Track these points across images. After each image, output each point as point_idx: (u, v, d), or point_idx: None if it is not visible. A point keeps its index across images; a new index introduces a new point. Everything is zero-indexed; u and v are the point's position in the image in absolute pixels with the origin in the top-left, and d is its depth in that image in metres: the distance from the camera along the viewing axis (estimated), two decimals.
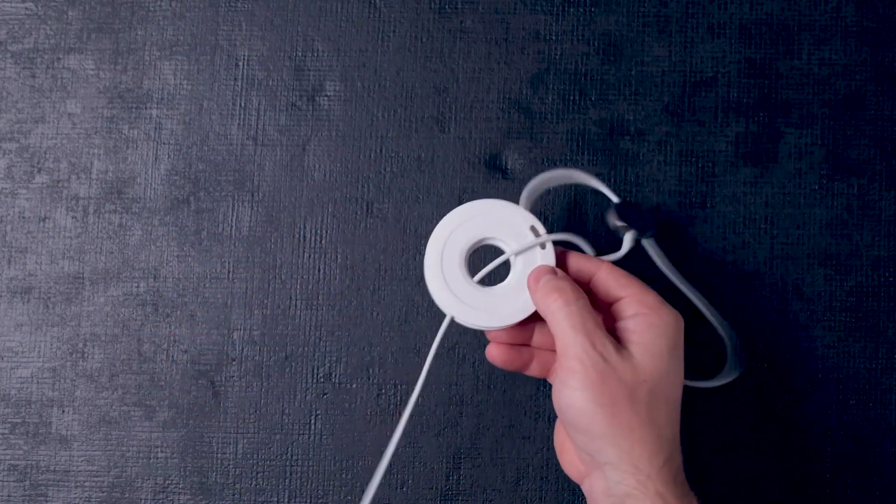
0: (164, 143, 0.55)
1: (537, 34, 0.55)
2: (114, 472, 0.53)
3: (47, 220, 0.55)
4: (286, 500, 0.53)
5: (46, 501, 0.53)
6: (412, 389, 0.53)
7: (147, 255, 0.54)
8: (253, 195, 0.55)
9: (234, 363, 0.54)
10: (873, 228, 0.54)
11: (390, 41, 0.55)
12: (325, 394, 0.54)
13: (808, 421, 0.53)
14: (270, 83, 0.55)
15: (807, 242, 0.54)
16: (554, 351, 0.46)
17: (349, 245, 0.54)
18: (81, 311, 0.54)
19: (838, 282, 0.53)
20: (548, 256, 0.46)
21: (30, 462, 0.53)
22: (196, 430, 0.53)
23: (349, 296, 0.54)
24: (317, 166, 0.55)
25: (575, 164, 0.54)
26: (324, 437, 0.53)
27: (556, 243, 0.47)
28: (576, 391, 0.41)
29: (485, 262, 0.47)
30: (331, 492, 0.53)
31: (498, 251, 0.47)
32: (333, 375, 0.54)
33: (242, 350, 0.54)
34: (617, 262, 0.46)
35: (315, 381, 0.54)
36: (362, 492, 0.53)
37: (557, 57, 0.55)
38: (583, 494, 0.53)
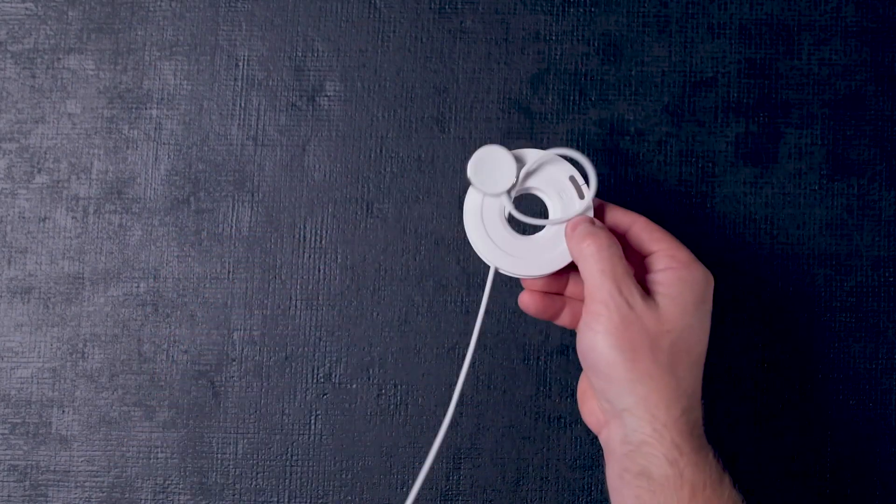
0: (164, 143, 0.55)
1: (537, 34, 0.55)
2: (114, 473, 0.53)
3: (47, 220, 0.55)
4: (286, 500, 0.53)
5: (46, 501, 0.53)
6: (412, 389, 0.53)
7: (147, 255, 0.54)
8: (253, 195, 0.55)
9: (234, 363, 0.54)
10: (873, 228, 0.54)
11: (390, 41, 0.55)
12: (325, 394, 0.54)
13: (808, 421, 0.53)
14: (270, 83, 0.55)
15: (807, 242, 0.54)
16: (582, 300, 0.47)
17: (349, 245, 0.54)
18: (81, 311, 0.54)
19: (838, 282, 0.53)
20: (586, 206, 0.46)
21: (30, 462, 0.53)
22: (196, 430, 0.53)
23: (349, 296, 0.54)
24: (317, 166, 0.55)
25: (575, 164, 0.54)
26: (324, 437, 0.53)
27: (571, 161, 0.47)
28: (598, 334, 0.42)
29: (522, 207, 0.47)
30: (331, 492, 0.53)
31: (536, 198, 0.47)
32: (333, 375, 0.54)
33: (242, 350, 0.54)
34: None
35: (315, 381, 0.54)
36: (362, 492, 0.53)
37: (557, 57, 0.55)
38: (582, 495, 0.53)
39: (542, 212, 0.47)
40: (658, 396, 0.41)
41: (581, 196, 0.46)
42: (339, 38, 0.55)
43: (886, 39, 0.54)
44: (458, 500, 0.53)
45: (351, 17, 0.55)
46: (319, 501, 0.53)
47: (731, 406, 0.53)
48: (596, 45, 0.55)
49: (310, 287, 0.54)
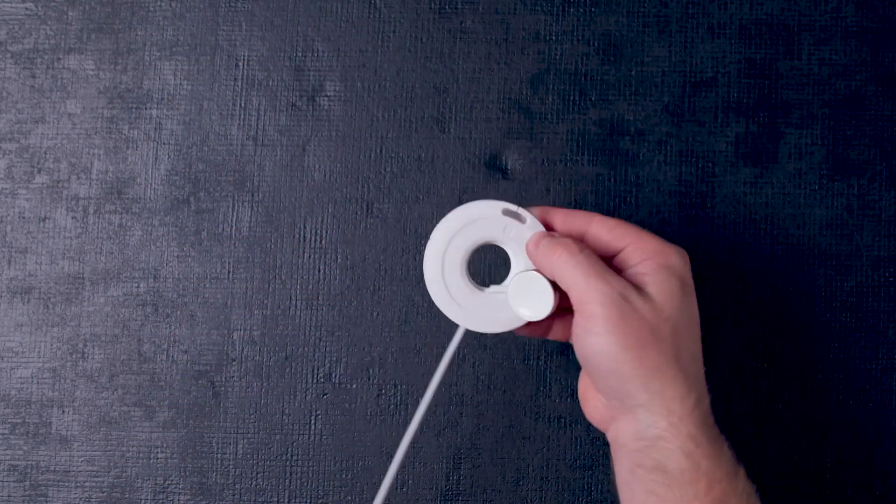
0: (164, 144, 0.55)
1: (537, 34, 0.55)
2: (114, 473, 0.53)
3: (47, 220, 0.55)
4: (286, 500, 0.53)
5: (46, 502, 0.53)
6: (412, 389, 0.53)
7: (147, 255, 0.54)
8: (253, 195, 0.55)
9: (234, 363, 0.54)
10: (873, 228, 0.54)
11: (390, 41, 0.55)
12: (325, 394, 0.54)
13: (808, 421, 0.53)
14: (270, 83, 0.55)
15: (807, 242, 0.54)
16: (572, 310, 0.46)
17: (349, 245, 0.54)
18: (81, 311, 0.54)
19: (838, 282, 0.53)
20: (535, 226, 0.45)
21: (30, 462, 0.53)
22: (196, 430, 0.53)
23: (349, 296, 0.54)
24: (317, 166, 0.55)
25: (575, 164, 0.54)
26: (324, 437, 0.53)
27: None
28: (600, 336, 0.40)
29: (482, 263, 0.46)
30: (331, 492, 0.53)
31: (491, 247, 0.46)
32: (333, 375, 0.54)
33: (242, 350, 0.54)
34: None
35: (315, 381, 0.54)
36: (362, 492, 0.53)
37: (557, 57, 0.55)
38: (582, 495, 0.53)
39: (499, 256, 0.46)
40: (672, 390, 0.40)
41: (523, 221, 0.45)
42: (339, 38, 0.55)
43: (886, 39, 0.54)
44: (458, 500, 0.53)
45: (351, 17, 0.55)
46: (319, 501, 0.53)
47: (732, 405, 0.53)
48: (596, 45, 0.55)
49: (310, 287, 0.54)
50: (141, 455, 0.53)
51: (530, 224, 0.45)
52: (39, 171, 0.55)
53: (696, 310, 0.43)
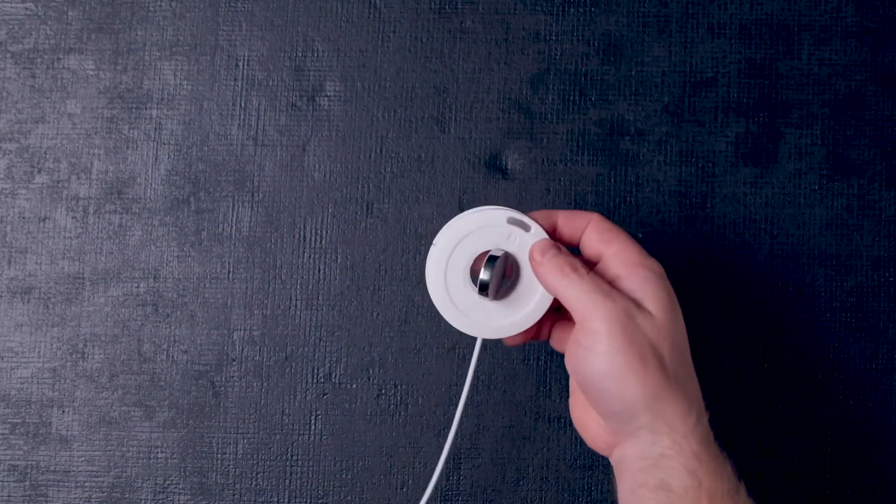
0: (164, 144, 0.55)
1: (537, 34, 0.55)
2: (114, 473, 0.53)
3: (47, 220, 0.55)
4: (286, 500, 0.53)
5: (46, 502, 0.53)
6: (412, 389, 0.53)
7: (147, 255, 0.54)
8: (253, 195, 0.55)
9: (234, 363, 0.54)
10: (873, 228, 0.54)
11: (390, 41, 0.55)
12: (325, 394, 0.54)
13: (808, 421, 0.53)
14: (270, 83, 0.55)
15: (807, 242, 0.54)
16: (561, 313, 0.46)
17: (349, 245, 0.54)
18: (81, 311, 0.54)
19: (838, 282, 0.53)
20: (540, 234, 0.45)
21: (30, 462, 0.53)
22: (196, 430, 0.53)
23: (349, 296, 0.54)
24: (317, 166, 0.55)
25: (575, 164, 0.54)
26: (324, 437, 0.53)
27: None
28: (604, 355, 0.40)
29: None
30: (331, 492, 0.53)
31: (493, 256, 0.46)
32: (333, 375, 0.54)
33: (242, 350, 0.54)
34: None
35: (315, 381, 0.54)
36: (362, 492, 0.53)
37: (557, 57, 0.55)
38: (582, 495, 0.53)
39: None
40: (674, 409, 0.40)
41: (527, 229, 0.44)
42: (339, 38, 0.55)
43: (886, 39, 0.54)
44: (458, 500, 0.53)
45: (351, 17, 0.55)
46: (319, 501, 0.53)
47: (732, 406, 0.53)
48: (596, 45, 0.55)
49: (310, 287, 0.54)
50: (141, 455, 0.53)
51: (535, 232, 0.44)
52: (39, 171, 0.55)
53: (684, 325, 0.43)
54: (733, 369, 0.53)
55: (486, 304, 0.45)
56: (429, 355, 0.54)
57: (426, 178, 0.54)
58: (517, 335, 0.45)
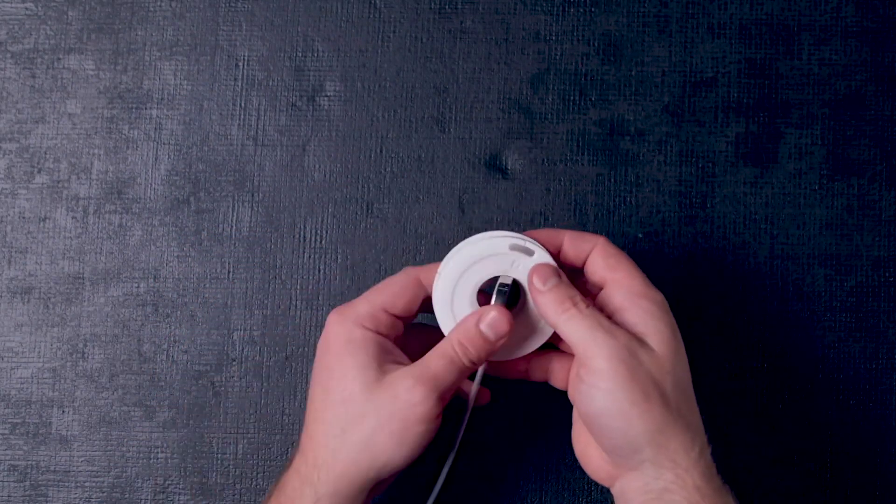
0: (164, 144, 0.55)
1: (537, 34, 0.55)
2: (114, 473, 0.53)
3: (47, 220, 0.55)
4: None
5: (46, 502, 0.53)
6: None
7: (147, 255, 0.54)
8: (253, 195, 0.55)
9: (234, 363, 0.54)
10: (873, 228, 0.54)
11: (390, 41, 0.55)
12: None
13: (808, 421, 0.53)
14: (270, 83, 0.55)
15: (807, 242, 0.54)
16: (556, 352, 0.46)
17: (349, 245, 0.54)
18: (81, 311, 0.54)
19: (838, 282, 0.53)
20: (541, 256, 0.45)
21: (30, 462, 0.53)
22: (196, 430, 0.53)
23: (349, 296, 0.54)
24: (317, 166, 0.55)
25: (575, 164, 0.54)
26: None
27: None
28: (608, 393, 0.40)
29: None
30: None
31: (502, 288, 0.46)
32: None
33: (242, 350, 0.54)
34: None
35: None
36: None
37: (557, 57, 0.55)
38: (582, 495, 0.53)
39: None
40: (676, 442, 0.40)
41: (531, 253, 0.44)
42: (339, 38, 0.55)
43: (886, 39, 0.54)
44: (458, 499, 0.53)
45: (351, 17, 0.55)
46: None
47: (732, 406, 0.53)
48: (596, 45, 0.55)
49: (310, 287, 0.54)
50: (141, 455, 0.53)
51: (538, 257, 0.44)
52: (39, 171, 0.55)
53: (686, 357, 0.43)
54: (733, 369, 0.53)
55: None
56: None
57: (426, 178, 0.54)
58: (518, 359, 0.46)
